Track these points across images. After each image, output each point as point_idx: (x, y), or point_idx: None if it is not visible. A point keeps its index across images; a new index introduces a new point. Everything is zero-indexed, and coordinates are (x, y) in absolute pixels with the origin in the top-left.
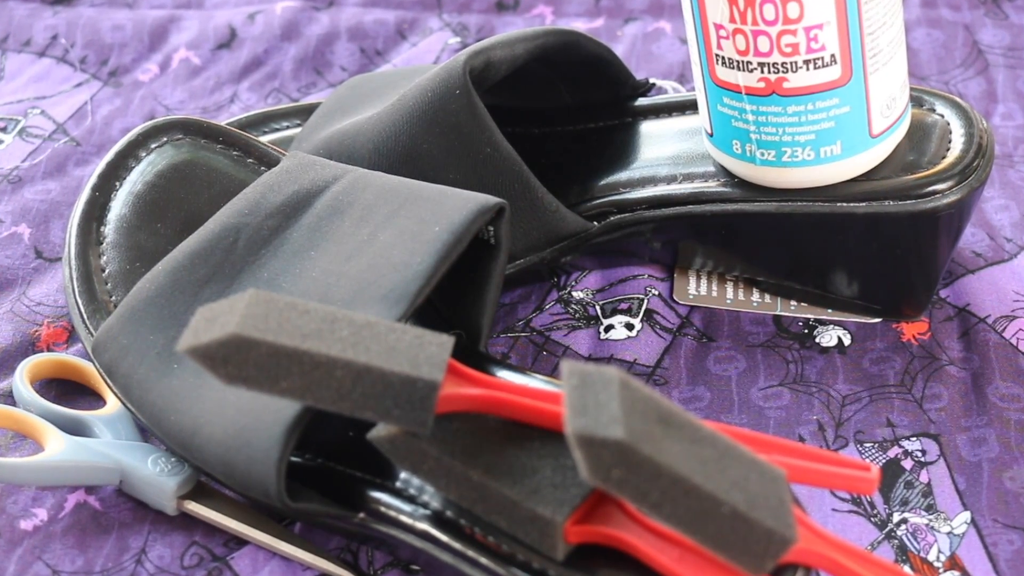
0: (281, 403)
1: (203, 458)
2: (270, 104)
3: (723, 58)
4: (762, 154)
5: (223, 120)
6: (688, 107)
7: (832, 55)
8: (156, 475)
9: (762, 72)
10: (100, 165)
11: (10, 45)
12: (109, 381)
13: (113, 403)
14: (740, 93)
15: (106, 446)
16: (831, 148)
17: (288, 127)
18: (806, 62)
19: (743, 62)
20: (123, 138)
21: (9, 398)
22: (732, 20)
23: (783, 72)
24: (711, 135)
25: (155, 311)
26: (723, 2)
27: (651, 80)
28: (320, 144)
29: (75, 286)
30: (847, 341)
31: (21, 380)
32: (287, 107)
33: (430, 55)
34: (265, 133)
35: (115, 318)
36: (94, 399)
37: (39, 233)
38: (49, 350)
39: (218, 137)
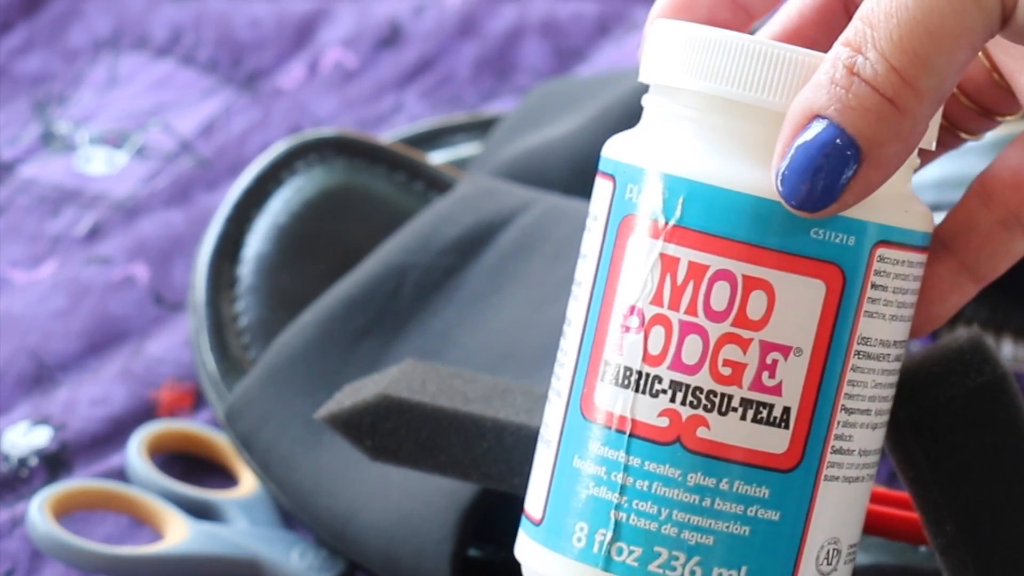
0: (456, 483)
1: (360, 550)
2: (442, 115)
3: (616, 369)
4: (619, 552)
5: (385, 135)
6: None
7: (785, 409)
8: (303, 570)
9: (672, 399)
10: (234, 191)
11: (124, 43)
12: (246, 455)
13: (249, 482)
14: (623, 434)
15: (240, 534)
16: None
17: (464, 144)
18: (745, 403)
19: (648, 377)
20: (262, 157)
21: (123, 475)
22: (657, 299)
23: (705, 407)
24: (539, 521)
25: (302, 370)
26: (651, 267)
27: None
28: (504, 165)
29: (204, 339)
30: None
31: (137, 454)
32: (463, 119)
33: (638, 55)
34: (437, 151)
35: (253, 379)
36: (225, 477)
37: (159, 274)
38: (171, 418)
39: (378, 156)
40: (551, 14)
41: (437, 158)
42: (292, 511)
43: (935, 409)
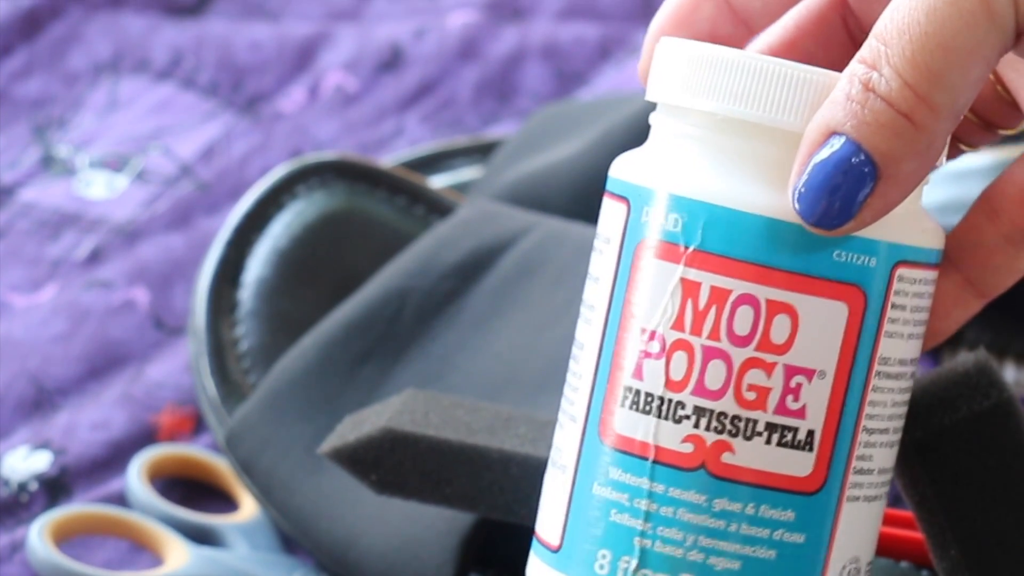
0: None
1: (361, 574)
2: (443, 139)
3: (636, 395)
4: None
5: (386, 159)
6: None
7: (810, 432)
8: None
9: (696, 425)
10: (235, 215)
11: (124, 66)
12: (246, 480)
13: (249, 507)
14: (645, 460)
15: (241, 559)
16: None
17: (465, 167)
18: (770, 427)
19: (670, 403)
20: (263, 181)
21: (123, 500)
22: (679, 324)
23: (730, 432)
24: (557, 547)
25: (302, 395)
26: (671, 291)
27: None
28: (505, 189)
29: (204, 364)
30: None
31: (137, 478)
32: (464, 143)
33: (639, 80)
34: (438, 175)
35: (253, 403)
36: (226, 502)
37: (159, 298)
38: (171, 442)
39: (379, 180)
40: (552, 38)
41: (438, 182)
42: (293, 536)
43: (941, 432)
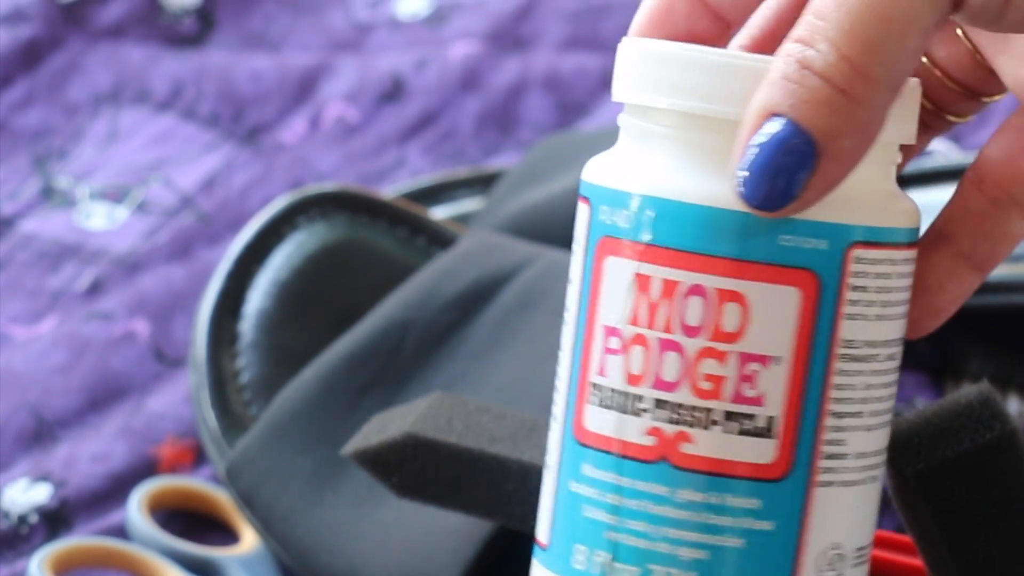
0: (458, 539)
1: None
2: (445, 170)
3: (602, 391)
4: (617, 572)
5: (387, 190)
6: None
7: (769, 419)
8: None
9: (655, 418)
10: (235, 246)
11: (124, 97)
12: (247, 512)
13: (250, 539)
14: (612, 455)
15: None
16: None
17: (467, 199)
18: (728, 416)
19: (631, 397)
20: (264, 213)
21: (123, 532)
22: (635, 319)
23: (688, 423)
24: (546, 546)
25: (303, 427)
26: (627, 287)
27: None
28: (507, 220)
29: (204, 396)
30: None
31: (138, 511)
32: (466, 174)
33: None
34: (439, 206)
35: (254, 435)
36: (226, 534)
37: (160, 330)
38: (172, 474)
39: (380, 212)
40: (554, 68)
41: (439, 213)
42: (294, 568)
43: (944, 464)
